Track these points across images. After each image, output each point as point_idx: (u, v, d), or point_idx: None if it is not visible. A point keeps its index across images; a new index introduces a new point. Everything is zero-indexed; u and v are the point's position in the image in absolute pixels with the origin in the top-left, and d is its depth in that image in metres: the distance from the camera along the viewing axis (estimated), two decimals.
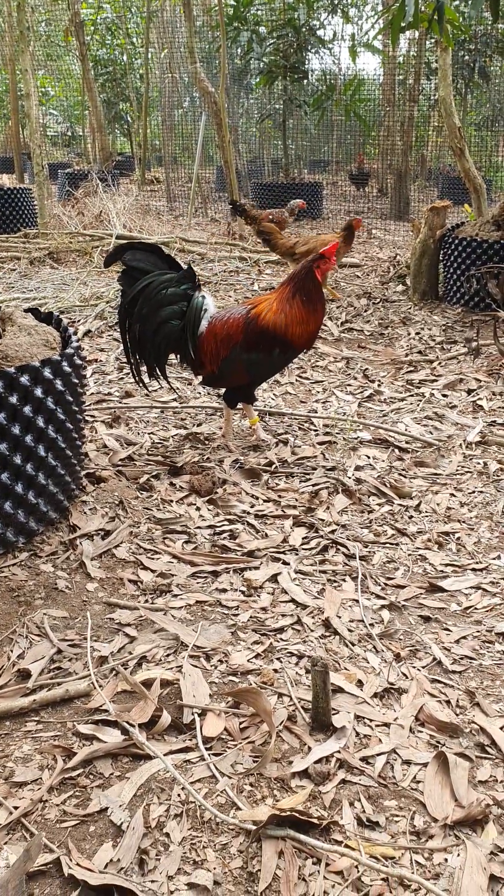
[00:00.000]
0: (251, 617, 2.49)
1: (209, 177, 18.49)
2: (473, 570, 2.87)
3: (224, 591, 2.62)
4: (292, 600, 2.59)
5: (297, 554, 2.87)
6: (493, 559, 2.96)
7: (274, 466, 3.55)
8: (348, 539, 3.02)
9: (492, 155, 18.09)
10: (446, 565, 2.89)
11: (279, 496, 3.31)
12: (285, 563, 2.80)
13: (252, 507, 3.20)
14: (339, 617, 2.52)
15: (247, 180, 16.97)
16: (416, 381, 5.03)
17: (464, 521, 3.23)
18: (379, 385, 4.97)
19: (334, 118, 15.93)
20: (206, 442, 3.86)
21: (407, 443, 4.01)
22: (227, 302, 7.06)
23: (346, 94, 13.88)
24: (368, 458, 3.77)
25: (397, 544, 3.02)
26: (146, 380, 3.75)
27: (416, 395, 4.77)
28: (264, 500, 3.27)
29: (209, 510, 3.16)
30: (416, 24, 6.48)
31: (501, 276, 5.95)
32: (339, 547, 2.95)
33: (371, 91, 16.46)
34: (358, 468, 3.58)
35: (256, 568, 2.75)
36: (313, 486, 3.39)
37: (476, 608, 2.63)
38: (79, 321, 6.33)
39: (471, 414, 4.45)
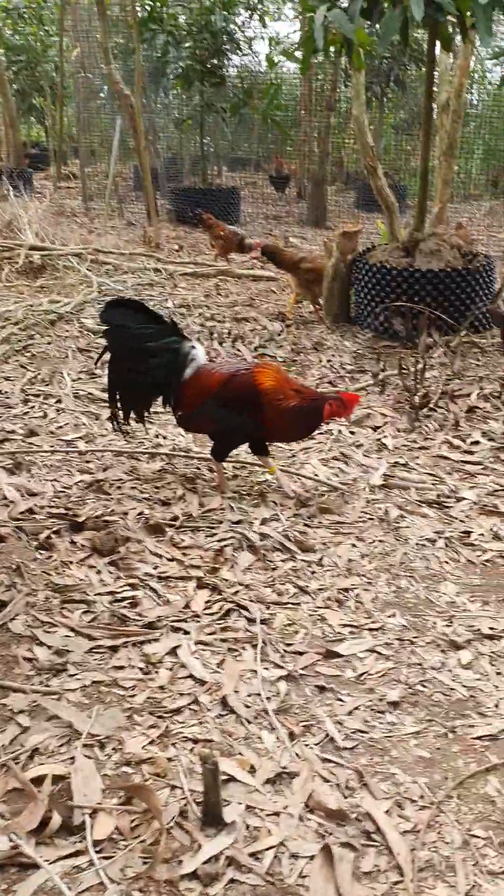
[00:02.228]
0: (148, 698, 2.50)
1: (127, 173, 18.25)
2: (370, 629, 2.95)
3: (122, 668, 2.63)
4: (191, 676, 2.61)
5: (198, 621, 2.89)
6: (389, 617, 3.03)
7: (179, 521, 3.56)
8: (251, 600, 3.06)
9: (409, 159, 18.34)
10: (344, 626, 2.96)
11: (184, 554, 3.33)
12: (186, 632, 2.83)
13: (155, 567, 3.21)
14: (237, 692, 2.55)
15: (164, 181, 16.88)
16: None
17: (363, 575, 3.30)
18: None
19: (258, 128, 15.96)
20: (110, 491, 3.85)
21: (315, 488, 4.08)
22: None
23: (264, 98, 13.93)
24: (276, 504, 3.82)
25: (298, 604, 3.08)
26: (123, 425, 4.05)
27: (325, 431, 4.84)
28: (168, 560, 3.29)
29: (110, 573, 3.16)
30: (326, 50, 6.55)
31: (406, 313, 6.06)
32: (241, 610, 2.99)
33: (290, 91, 16.50)
34: (264, 521, 3.62)
35: (157, 640, 2.77)
36: (219, 541, 3.42)
37: (370, 674, 2.70)
38: None
39: (375, 454, 4.54)
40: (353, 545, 3.54)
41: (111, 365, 3.97)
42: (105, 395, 4.27)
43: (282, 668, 2.69)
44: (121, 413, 4.01)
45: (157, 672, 2.62)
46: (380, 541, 3.59)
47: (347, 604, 3.10)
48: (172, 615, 2.91)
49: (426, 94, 6.95)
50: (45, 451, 4.29)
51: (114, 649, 2.73)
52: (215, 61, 13.56)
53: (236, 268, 9.91)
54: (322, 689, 2.61)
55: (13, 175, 14.78)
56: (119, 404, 4.00)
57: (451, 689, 2.65)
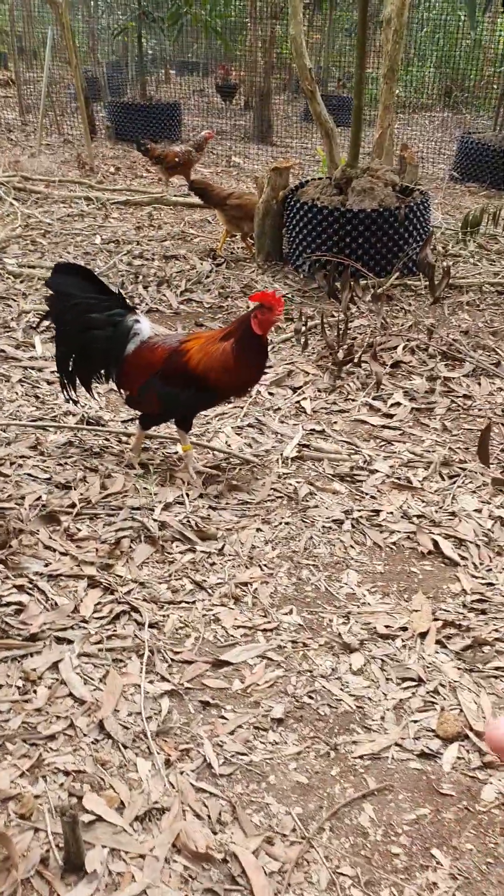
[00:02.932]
0: (23, 723, 2.43)
1: (66, 82, 17.36)
2: (264, 630, 2.88)
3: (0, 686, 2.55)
4: (71, 695, 2.53)
5: (85, 628, 2.81)
6: (285, 615, 2.97)
7: (77, 508, 3.44)
8: (144, 600, 2.97)
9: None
10: (238, 627, 2.89)
11: (78, 547, 3.22)
12: (70, 642, 2.74)
13: (47, 565, 3.10)
14: (117, 711, 2.49)
15: (106, 94, 16.11)
16: None
17: (265, 566, 3.22)
18: None
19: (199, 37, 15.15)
20: (9, 472, 3.70)
21: (225, 460, 3.96)
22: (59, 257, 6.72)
23: (204, 6, 13.20)
24: (183, 483, 3.71)
25: (193, 602, 3.00)
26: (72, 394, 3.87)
27: None
28: (62, 554, 3.18)
29: (0, 572, 3.05)
30: None
31: (329, 267, 5.85)
32: (132, 613, 2.90)
33: (231, 8, 15.66)
34: (167, 506, 3.51)
35: (39, 653, 2.68)
36: (116, 531, 3.31)
37: (257, 685, 2.64)
38: None
39: (293, 419, 4.42)
40: (259, 529, 3.45)
41: (57, 335, 3.79)
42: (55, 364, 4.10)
43: (167, 680, 2.62)
44: (68, 384, 3.84)
45: (35, 691, 2.54)
46: (286, 523, 3.51)
47: (245, 600, 3.03)
48: (58, 622, 2.82)
49: (360, 7, 6.53)
50: None
51: None
52: None
53: (171, 195, 9.55)
54: (206, 704, 2.56)
55: None
56: (66, 375, 3.82)
57: (339, 699, 2.60)
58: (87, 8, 16.10)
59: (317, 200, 6.47)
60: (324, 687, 2.65)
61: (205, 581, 3.10)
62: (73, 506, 3.45)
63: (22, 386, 4.68)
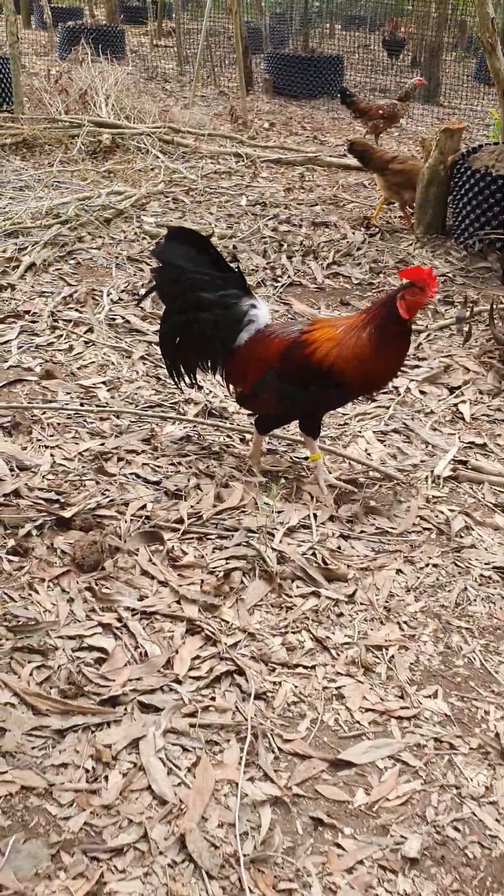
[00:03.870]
0: (86, 824, 1.91)
1: (228, 33, 16.74)
2: (399, 719, 2.27)
3: (64, 766, 2.03)
4: (149, 788, 2.00)
5: (177, 693, 2.26)
6: (428, 697, 2.35)
7: (185, 524, 2.89)
8: (252, 658, 2.40)
9: None
10: (366, 710, 2.29)
11: (181, 576, 2.68)
12: (158, 710, 2.20)
13: (142, 598, 2.57)
14: (205, 820, 1.94)
15: (267, 45, 15.43)
16: None
17: (405, 624, 2.60)
18: None
19: None
20: (115, 470, 3.19)
21: (363, 473, 3.34)
22: (201, 223, 6.20)
23: None
24: (311, 500, 3.11)
25: (313, 667, 2.41)
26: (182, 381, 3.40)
27: (390, 390, 4.04)
28: (161, 584, 2.64)
29: (85, 601, 2.54)
30: None
31: (502, 246, 5.05)
32: (235, 676, 2.34)
33: None
34: (290, 530, 2.92)
35: (118, 722, 2.16)
36: (227, 561, 2.75)
37: (387, 800, 2.04)
38: (26, 248, 5.51)
39: (448, 427, 3.74)
40: (399, 571, 2.82)
41: (164, 312, 3.26)
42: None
43: (272, 781, 2.05)
44: (173, 370, 3.36)
45: (106, 778, 2.02)
46: (433, 566, 2.86)
47: (377, 670, 2.42)
48: (146, 681, 2.28)
49: None
50: (47, 407, 3.64)
51: (61, 733, 2.12)
52: None
53: (327, 155, 8.84)
54: (319, 823, 1.97)
55: (101, 34, 13.66)
56: (170, 360, 3.34)
57: (494, 837, 1.97)
58: None
59: (492, 168, 5.65)
60: (474, 815, 2.02)
61: (328, 638, 2.50)
62: (180, 521, 2.91)
63: (144, 364, 4.18)
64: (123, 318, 4.65)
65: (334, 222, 6.49)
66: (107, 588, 2.59)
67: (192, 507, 2.99)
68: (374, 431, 3.65)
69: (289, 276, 5.38)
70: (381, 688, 2.36)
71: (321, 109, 12.34)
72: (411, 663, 2.46)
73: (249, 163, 8.36)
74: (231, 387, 3.35)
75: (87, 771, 2.03)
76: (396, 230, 6.45)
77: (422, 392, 4.03)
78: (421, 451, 3.53)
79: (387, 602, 2.68)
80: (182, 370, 3.32)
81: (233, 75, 13.60)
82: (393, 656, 2.46)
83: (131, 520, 2.90)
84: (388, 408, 3.86)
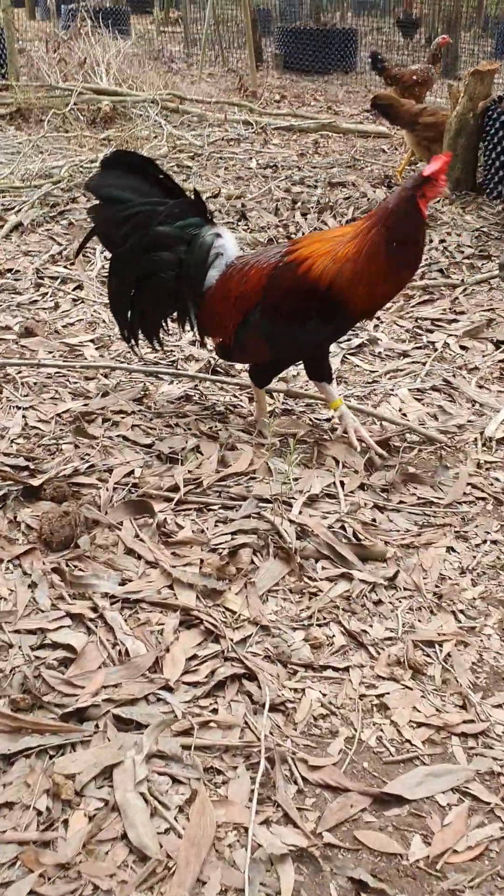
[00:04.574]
0: (31, 893, 1.34)
1: (237, 20, 16.22)
2: (462, 736, 1.69)
3: (8, 807, 1.47)
4: (124, 837, 1.44)
5: (166, 703, 1.69)
6: (499, 706, 1.77)
7: (181, 493, 2.33)
8: (266, 658, 1.84)
9: None
10: (417, 725, 1.71)
11: (175, 555, 2.12)
12: (141, 727, 1.63)
13: (123, 582, 2.01)
14: (202, 884, 1.37)
15: (276, 21, 14.89)
16: (429, 320, 3.71)
17: (462, 613, 2.02)
18: (376, 327, 3.66)
19: None
20: (97, 432, 2.64)
21: (399, 434, 2.77)
22: (207, 184, 5.65)
23: None
24: (336, 466, 2.54)
25: (346, 670, 1.84)
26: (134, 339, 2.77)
27: (424, 345, 3.47)
28: (149, 565, 2.08)
29: (52, 587, 1.98)
30: None
31: None
32: (244, 681, 1.77)
33: None
34: (311, 499, 2.35)
35: (84, 744, 1.59)
36: (233, 535, 2.18)
37: (455, 852, 1.46)
38: (14, 208, 4.98)
39: (497, 383, 3.16)
40: (450, 549, 2.25)
41: (113, 262, 2.69)
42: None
43: (295, 825, 1.48)
44: (128, 328, 2.75)
45: (66, 822, 1.46)
46: (492, 542, 2.29)
47: (429, 672, 1.85)
48: (126, 688, 1.72)
49: None
50: (23, 364, 3.09)
51: (7, 759, 1.56)
52: None
53: (342, 121, 8.27)
54: (362, 888, 1.40)
55: (105, 12, 13.16)
56: (124, 320, 2.73)
57: None
58: None
59: None
60: None
61: (365, 632, 1.93)
62: (175, 489, 2.34)
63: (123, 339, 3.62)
64: None
65: (352, 181, 5.92)
66: (80, 570, 2.03)
67: (189, 472, 2.43)
68: (409, 389, 3.07)
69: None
70: (435, 695, 1.79)
71: (335, 84, 11.78)
72: (474, 663, 1.89)
73: (260, 129, 7.80)
74: (209, 340, 2.79)
75: (39, 813, 1.46)
76: None
77: (462, 347, 3.46)
78: (467, 410, 2.96)
79: (437, 587, 2.11)
80: (143, 329, 2.73)
81: (242, 55, 13.07)
82: (449, 654, 1.89)
83: (115, 488, 2.34)
84: (423, 364, 3.28)
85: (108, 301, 2.78)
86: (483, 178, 5.54)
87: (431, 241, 4.69)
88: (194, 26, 15.62)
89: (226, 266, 2.58)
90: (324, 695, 1.77)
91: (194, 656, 1.82)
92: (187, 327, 2.70)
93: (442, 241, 4.70)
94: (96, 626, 1.87)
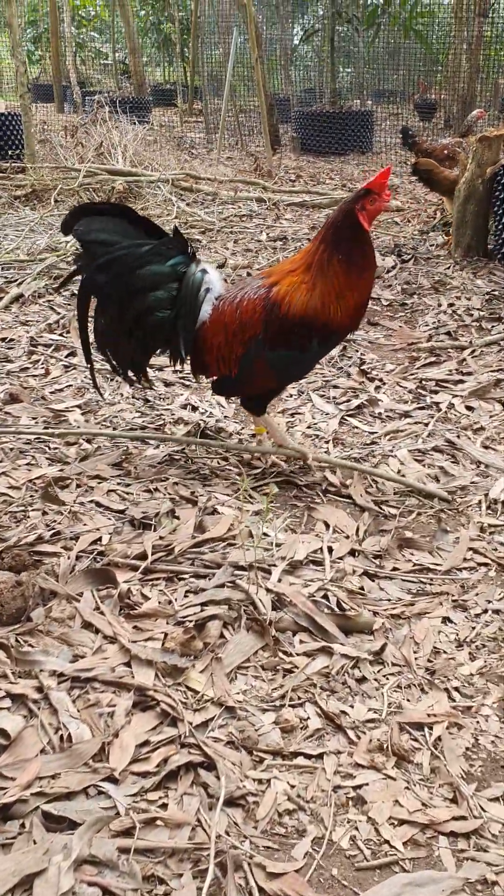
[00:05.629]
0: None
1: (255, 111, 16.63)
2: (451, 836, 1.44)
3: None
4: None
5: (108, 798, 1.47)
6: (494, 799, 1.53)
7: (149, 560, 2.14)
8: (229, 744, 1.61)
9: None
10: (399, 823, 1.47)
11: (137, 629, 1.91)
12: (74, 825, 1.41)
13: (74, 660, 1.81)
14: None
15: (291, 107, 15.22)
16: (434, 381, 3.53)
17: (457, 691, 1.79)
18: (378, 388, 3.49)
19: (398, 42, 13.85)
20: (69, 498, 2.46)
21: (396, 494, 2.57)
22: (215, 256, 5.60)
23: (403, 7, 11.99)
24: (325, 530, 2.34)
25: (319, 757, 1.61)
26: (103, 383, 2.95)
27: (427, 406, 3.29)
28: (107, 640, 1.88)
29: None
30: None
31: None
32: (200, 771, 1.55)
33: (435, 7, 14.33)
34: (293, 566, 2.15)
35: (4, 847, 1.37)
36: (202, 606, 1.98)
37: None
38: (15, 281, 4.93)
39: (503, 445, 2.96)
40: (446, 619, 2.03)
41: (102, 305, 2.60)
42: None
43: None
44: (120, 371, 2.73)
45: None
46: (494, 611, 2.06)
47: (416, 759, 1.61)
48: (64, 779, 1.50)
49: None
50: (18, 432, 2.95)
51: None
52: None
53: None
54: None
55: (126, 102, 13.54)
56: (118, 359, 2.69)
57: None
58: (280, 20, 15.27)
59: None
60: None
61: (344, 714, 1.71)
62: (142, 556, 2.15)
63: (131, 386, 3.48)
64: None
65: None
66: (29, 645, 1.83)
67: (161, 538, 2.24)
68: (408, 451, 2.88)
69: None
70: (422, 786, 1.55)
71: (351, 164, 11.90)
72: (468, 748, 1.65)
73: (272, 205, 7.82)
74: (202, 375, 2.68)
75: None
76: (429, 257, 5.77)
77: (468, 408, 3.27)
78: (471, 471, 2.76)
79: (430, 661, 1.88)
80: (132, 369, 2.68)
81: (261, 140, 13.32)
82: (440, 738, 1.65)
83: (79, 556, 2.15)
84: (426, 424, 3.10)
85: (84, 341, 2.67)
86: (494, 244, 5.43)
87: (440, 305, 4.56)
88: (215, 116, 16.03)
89: (216, 300, 2.56)
90: (292, 786, 1.54)
91: (146, 742, 1.60)
92: (178, 364, 2.65)
93: (451, 304, 4.56)
94: (39, 708, 1.66)
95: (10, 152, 8.99)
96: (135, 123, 10.72)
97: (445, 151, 7.94)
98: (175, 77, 25.77)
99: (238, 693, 1.74)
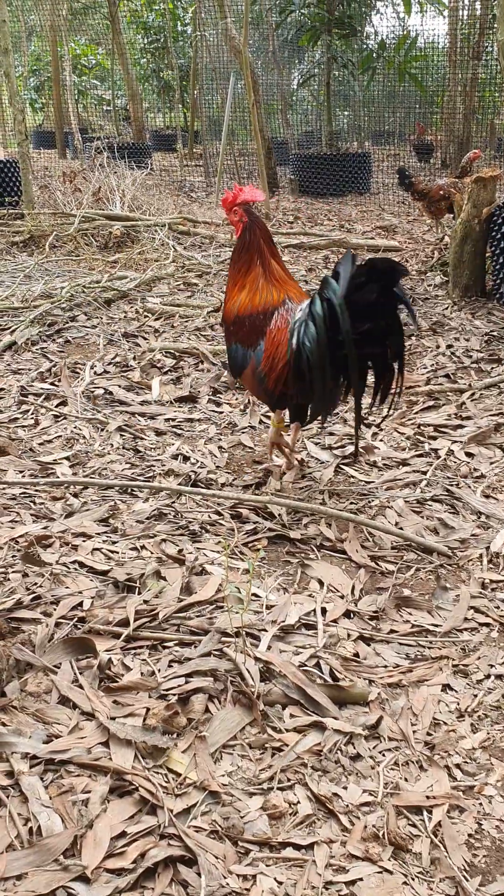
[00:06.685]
0: None
1: (254, 156, 16.75)
2: None
3: None
4: None
5: None
6: (502, 895, 1.40)
7: (132, 627, 2.03)
8: (212, 834, 1.49)
9: None
10: None
11: (116, 703, 1.80)
12: None
13: (49, 740, 1.69)
14: None
15: (290, 150, 15.33)
16: (433, 427, 3.44)
17: (458, 767, 1.67)
18: (375, 434, 3.39)
19: (395, 85, 13.96)
20: (52, 558, 2.36)
21: (393, 547, 2.46)
22: (211, 300, 5.54)
23: (398, 51, 12.09)
24: (320, 589, 2.23)
25: (310, 847, 1.48)
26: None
27: (426, 453, 3.19)
28: (85, 716, 1.76)
29: None
30: None
31: None
32: (181, 867, 1.42)
33: (429, 50, 14.43)
34: (284, 631, 2.03)
35: None
36: (186, 678, 1.86)
37: None
38: (8, 328, 4.87)
39: None
40: (447, 687, 1.91)
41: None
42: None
43: None
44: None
45: None
46: (497, 677, 1.94)
47: (415, 849, 1.48)
48: (31, 879, 1.38)
49: None
50: (7, 482, 2.85)
51: None
52: (345, 9, 11.83)
53: (353, 237, 8.27)
54: None
55: (125, 147, 13.65)
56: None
57: None
58: (277, 66, 15.44)
59: None
60: None
61: (337, 797, 1.58)
62: (125, 623, 2.04)
63: (121, 436, 3.40)
64: (106, 389, 3.91)
65: None
66: (2, 723, 1.72)
67: (145, 602, 2.13)
68: (406, 501, 2.77)
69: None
70: (420, 881, 1.42)
71: (349, 204, 11.94)
72: (470, 835, 1.52)
73: None
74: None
75: None
76: (427, 297, 5.71)
77: (468, 454, 3.17)
78: (472, 522, 2.65)
79: (430, 734, 1.76)
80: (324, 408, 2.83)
81: (260, 185, 13.39)
82: (440, 825, 1.53)
83: (58, 623, 2.05)
84: (424, 473, 2.99)
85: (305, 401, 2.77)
86: (493, 284, 5.37)
87: (439, 347, 4.48)
88: (215, 159, 16.15)
89: None
90: (279, 882, 1.41)
91: (122, 833, 1.48)
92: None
93: (449, 346, 4.48)
94: (8, 797, 1.55)
95: (7, 199, 9.01)
96: (133, 168, 10.78)
97: (441, 192, 7.95)
98: (175, 122, 26.12)
99: (223, 775, 1.62)
